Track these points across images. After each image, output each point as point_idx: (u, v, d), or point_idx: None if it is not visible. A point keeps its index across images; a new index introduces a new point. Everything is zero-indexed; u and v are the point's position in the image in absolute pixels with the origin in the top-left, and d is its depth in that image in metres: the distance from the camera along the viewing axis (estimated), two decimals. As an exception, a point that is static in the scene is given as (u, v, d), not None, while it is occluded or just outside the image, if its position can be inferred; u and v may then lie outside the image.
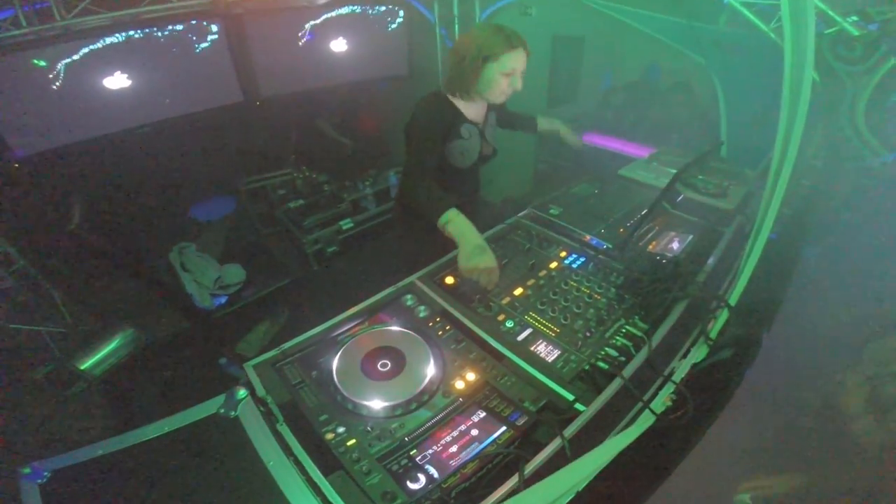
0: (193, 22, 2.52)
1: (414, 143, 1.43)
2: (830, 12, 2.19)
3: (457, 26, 3.72)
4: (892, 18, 2.18)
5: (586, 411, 0.86)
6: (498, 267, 1.17)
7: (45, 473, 0.81)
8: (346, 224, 3.22)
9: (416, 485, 0.76)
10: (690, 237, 1.51)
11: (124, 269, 2.23)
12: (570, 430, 0.83)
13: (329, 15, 3.18)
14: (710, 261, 1.35)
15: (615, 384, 0.91)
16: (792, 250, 1.81)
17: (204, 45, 2.58)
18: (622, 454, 0.94)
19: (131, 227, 2.55)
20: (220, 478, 0.80)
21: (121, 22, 2.31)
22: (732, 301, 1.14)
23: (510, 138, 4.41)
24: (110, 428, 2.18)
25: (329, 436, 0.84)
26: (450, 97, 1.53)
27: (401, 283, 1.20)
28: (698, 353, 1.13)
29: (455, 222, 1.19)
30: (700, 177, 1.73)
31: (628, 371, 0.95)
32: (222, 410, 0.86)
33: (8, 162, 2.15)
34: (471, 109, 1.56)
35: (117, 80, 2.34)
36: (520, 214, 1.57)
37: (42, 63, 2.17)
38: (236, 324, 2.55)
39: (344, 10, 3.19)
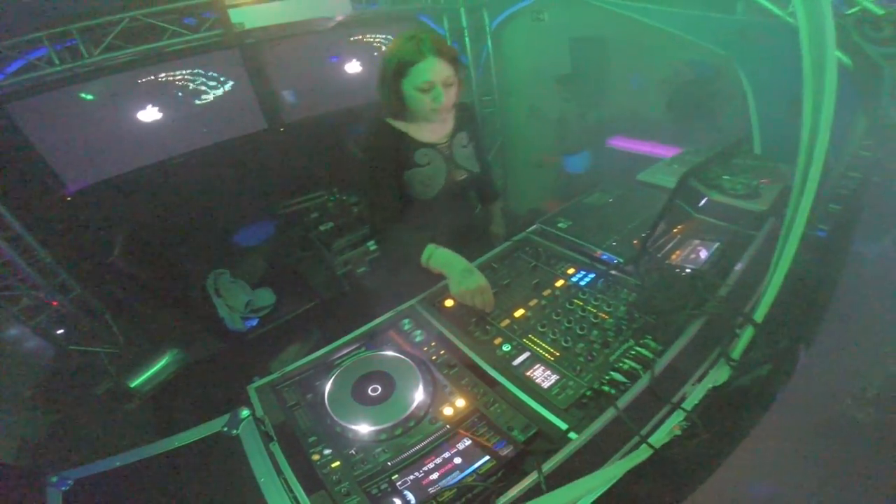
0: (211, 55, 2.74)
1: (365, 186, 1.38)
2: None
3: (467, 39, 3.80)
4: None
5: (572, 443, 0.85)
6: (489, 286, 1.18)
7: (70, 482, 0.91)
8: (373, 245, 3.34)
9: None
10: (717, 245, 1.44)
11: (166, 296, 2.48)
12: (554, 462, 0.83)
13: (344, 37, 3.37)
14: (736, 271, 1.28)
15: (609, 413, 0.89)
16: (839, 251, 1.67)
17: (226, 76, 2.82)
18: (630, 482, 0.92)
19: (172, 256, 2.80)
20: (218, 492, 0.89)
21: (146, 56, 2.55)
22: (759, 317, 1.06)
23: (533, 142, 4.39)
24: (154, 441, 2.43)
25: (315, 457, 0.89)
26: (392, 122, 1.41)
27: (400, 308, 1.24)
28: (718, 376, 1.08)
29: (436, 255, 1.22)
30: (726, 176, 1.63)
31: (627, 398, 0.93)
32: (226, 429, 0.94)
33: (62, 196, 2.46)
34: (423, 131, 1.43)
35: (150, 114, 2.60)
36: (528, 230, 1.56)
37: (89, 97, 2.46)
38: (268, 345, 2.73)
39: (356, 32, 3.38)
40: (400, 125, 1.41)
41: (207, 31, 2.67)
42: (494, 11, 3.91)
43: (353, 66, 3.48)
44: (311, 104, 3.27)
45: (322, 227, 3.30)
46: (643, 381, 0.95)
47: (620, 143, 3.50)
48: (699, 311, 1.09)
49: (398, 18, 3.69)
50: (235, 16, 2.67)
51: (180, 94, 2.73)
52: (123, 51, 2.47)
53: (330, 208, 3.42)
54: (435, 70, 1.27)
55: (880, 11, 2.10)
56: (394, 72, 1.29)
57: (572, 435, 0.88)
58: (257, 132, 2.98)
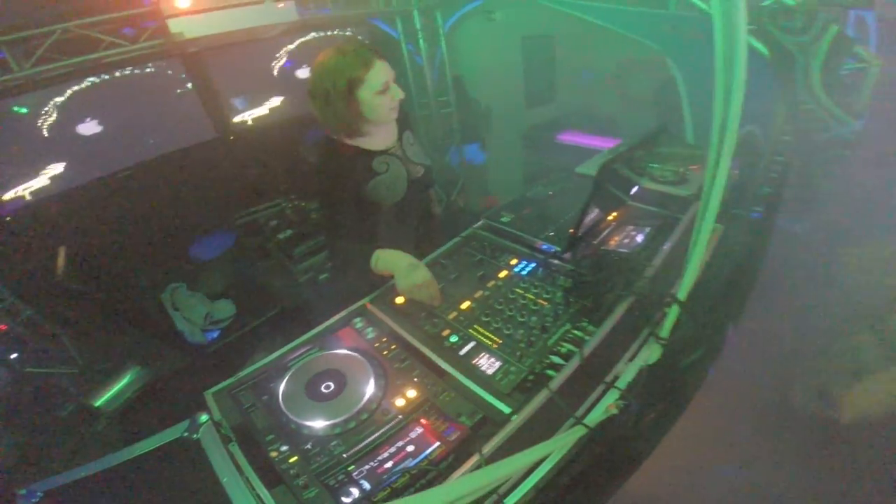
0: (153, 65, 2.71)
1: (324, 206, 1.45)
2: None
3: (421, 40, 3.87)
4: None
5: (510, 424, 0.93)
6: (434, 281, 1.26)
7: (38, 494, 0.94)
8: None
9: (349, 499, 0.85)
10: (649, 230, 1.56)
11: (121, 313, 2.43)
12: (495, 443, 0.91)
13: (291, 44, 3.37)
14: (663, 252, 1.40)
15: (543, 395, 0.98)
16: (768, 231, 1.84)
17: (169, 85, 2.78)
18: (574, 461, 1.00)
19: (124, 272, 2.74)
20: (185, 494, 0.94)
21: (82, 68, 2.48)
22: (682, 295, 1.14)
23: (494, 141, 4.48)
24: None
25: (273, 454, 0.94)
26: (345, 140, 1.44)
27: (352, 307, 1.30)
28: (650, 355, 1.19)
29: (382, 258, 1.29)
30: (654, 165, 1.77)
31: (560, 380, 1.02)
32: (186, 433, 0.99)
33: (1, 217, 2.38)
34: (374, 140, 1.47)
35: (90, 127, 2.54)
36: (475, 226, 1.65)
37: (23, 110, 2.38)
38: (231, 356, 2.72)
39: (308, 37, 3.37)
40: (351, 142, 1.44)
41: (147, 42, 2.62)
42: (447, 13, 3.98)
43: (306, 72, 3.48)
44: (261, 111, 3.26)
45: (281, 236, 3.30)
46: (574, 363, 1.05)
47: (570, 138, 3.65)
48: (626, 292, 1.20)
49: (349, 22, 3.71)
50: (175, 26, 2.62)
51: (123, 104, 2.67)
52: (57, 63, 2.38)
53: (288, 215, 3.42)
54: (385, 70, 1.35)
55: (792, 2, 2.30)
56: (346, 89, 1.31)
57: (515, 418, 0.97)
58: (207, 141, 2.94)
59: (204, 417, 0.99)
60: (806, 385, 2.01)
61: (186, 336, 2.39)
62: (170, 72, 2.84)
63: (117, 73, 2.68)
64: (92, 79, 2.59)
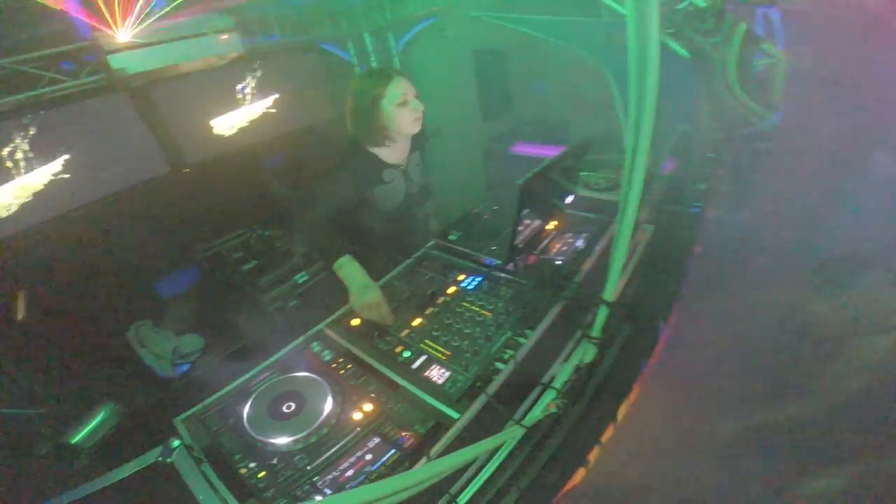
0: (97, 100, 2.76)
1: (330, 191, 1.65)
2: None
3: (374, 62, 4.04)
4: None
5: (453, 428, 1.08)
6: (383, 302, 1.40)
7: None
8: (300, 278, 3.46)
9: None
10: (586, 235, 1.76)
11: (88, 352, 2.46)
12: (440, 446, 1.04)
13: (244, 73, 3.50)
14: (593, 257, 1.59)
15: (481, 400, 1.14)
16: (695, 227, 2.06)
17: (116, 120, 2.84)
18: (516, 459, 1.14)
19: (86, 312, 2.77)
20: None
21: (22, 105, 2.52)
22: (608, 296, 1.30)
23: (454, 158, 4.68)
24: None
25: (243, 471, 1.05)
26: (368, 147, 1.74)
27: (309, 332, 1.43)
28: (585, 354, 1.36)
29: (346, 268, 1.45)
30: (585, 173, 1.98)
31: (497, 384, 1.17)
32: (161, 458, 1.10)
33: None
34: (391, 153, 1.76)
35: (41, 166, 2.56)
36: (426, 245, 1.82)
37: None
38: (202, 387, 2.77)
39: (256, 65, 3.52)
40: (374, 149, 1.73)
41: (90, 77, 2.69)
42: (399, 33, 4.18)
43: (260, 100, 3.61)
44: (216, 142, 3.36)
45: (246, 267, 3.38)
46: (509, 368, 1.21)
47: (524, 149, 3.87)
48: (557, 297, 1.38)
49: (299, 49, 3.86)
50: (116, 61, 2.70)
51: (71, 141, 2.73)
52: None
53: (252, 247, 3.50)
54: (403, 85, 1.64)
55: (703, 4, 2.56)
56: (371, 102, 1.61)
57: (457, 422, 1.12)
58: (161, 176, 3.02)
59: (176, 442, 1.10)
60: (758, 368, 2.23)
61: (156, 371, 2.45)
62: (117, 107, 2.91)
63: (61, 110, 2.72)
64: (31, 115, 2.63)
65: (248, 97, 3.62)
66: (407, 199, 1.86)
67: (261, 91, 3.62)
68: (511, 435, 1.09)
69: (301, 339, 1.41)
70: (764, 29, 2.97)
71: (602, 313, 1.28)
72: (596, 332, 1.28)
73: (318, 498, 0.99)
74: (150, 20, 2.76)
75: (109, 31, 2.65)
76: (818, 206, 2.66)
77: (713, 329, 2.29)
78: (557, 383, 1.22)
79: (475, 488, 1.04)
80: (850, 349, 2.02)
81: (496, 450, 1.09)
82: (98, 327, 2.64)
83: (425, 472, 0.89)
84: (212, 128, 3.37)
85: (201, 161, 3.28)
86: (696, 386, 2.14)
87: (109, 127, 2.87)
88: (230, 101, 3.47)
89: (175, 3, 2.85)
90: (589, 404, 1.31)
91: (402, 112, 1.65)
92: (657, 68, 1.16)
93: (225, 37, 3.30)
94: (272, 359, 1.35)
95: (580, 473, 1.48)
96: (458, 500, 1.01)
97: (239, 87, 3.55)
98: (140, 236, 2.87)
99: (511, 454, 1.10)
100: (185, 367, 2.72)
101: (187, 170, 3.26)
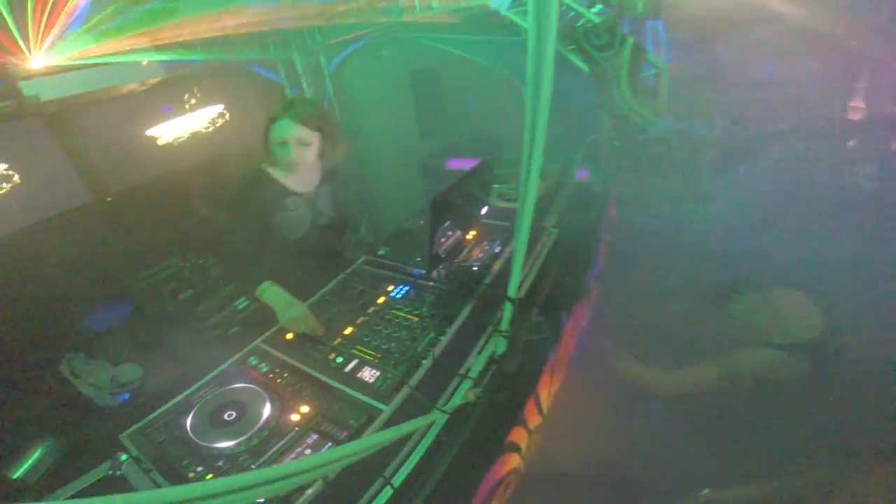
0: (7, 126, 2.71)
1: (240, 217, 1.76)
2: (575, 5, 2.83)
3: (304, 84, 4.19)
4: (623, 2, 2.87)
5: (380, 417, 1.28)
6: (310, 315, 1.58)
7: None
8: (240, 304, 3.50)
9: (261, 499, 1.15)
10: (500, 241, 2.04)
11: (17, 388, 2.42)
12: (368, 432, 1.25)
13: (168, 98, 3.55)
14: (500, 260, 1.87)
15: (405, 391, 1.36)
16: (593, 233, 2.42)
17: (31, 149, 2.80)
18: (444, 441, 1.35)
19: (15, 347, 2.69)
20: None
21: None
22: (512, 294, 1.51)
23: (393, 175, 4.86)
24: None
25: (191, 475, 1.18)
26: (269, 170, 1.83)
27: (246, 349, 1.58)
28: (496, 347, 1.60)
29: (267, 292, 1.61)
30: (496, 185, 2.28)
31: (418, 377, 1.40)
32: (111, 472, 1.20)
33: None
34: (296, 181, 1.86)
35: None
36: (357, 262, 2.02)
37: None
38: (146, 412, 2.77)
39: (180, 88, 3.58)
40: (276, 173, 1.83)
41: (-2, 103, 2.66)
42: (331, 53, 4.27)
43: (187, 125, 3.66)
44: (140, 168, 3.37)
45: (182, 297, 3.40)
46: (429, 362, 1.44)
47: (457, 164, 4.15)
48: (469, 297, 1.63)
49: (226, 73, 3.93)
50: (29, 88, 2.70)
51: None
52: None
53: (188, 276, 3.52)
54: (286, 129, 1.71)
55: (598, 20, 2.92)
56: (266, 126, 1.73)
57: (384, 411, 1.32)
58: (83, 206, 3.01)
59: (124, 456, 1.21)
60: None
61: (96, 400, 2.44)
62: (31, 134, 2.88)
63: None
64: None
65: (172, 121, 3.65)
66: (315, 230, 1.95)
67: (185, 115, 3.68)
68: (431, 419, 1.31)
69: (238, 354, 1.55)
70: (649, 41, 3.44)
71: (508, 309, 1.50)
72: (504, 326, 1.51)
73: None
74: (68, 45, 2.79)
75: (22, 56, 2.66)
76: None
77: (625, 318, 2.66)
78: (473, 373, 1.46)
79: (408, 470, 1.21)
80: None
81: (423, 434, 1.29)
82: (28, 362, 2.59)
83: (334, 453, 1.03)
84: (135, 154, 3.38)
85: (126, 189, 3.28)
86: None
87: (24, 156, 2.83)
88: (153, 127, 3.49)
89: (90, 25, 2.88)
90: (503, 391, 1.56)
91: (282, 151, 1.75)
92: (551, 81, 1.28)
93: (145, 63, 3.36)
94: (211, 375, 1.48)
95: (514, 459, 1.73)
96: (392, 481, 1.18)
97: (163, 110, 3.59)
98: (65, 269, 2.84)
99: (437, 439, 1.29)
100: (126, 396, 2.72)
101: (110, 199, 3.26)
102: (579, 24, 2.97)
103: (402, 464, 1.23)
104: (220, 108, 3.87)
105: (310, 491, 1.08)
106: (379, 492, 1.14)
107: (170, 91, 3.57)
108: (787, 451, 1.95)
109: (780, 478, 1.89)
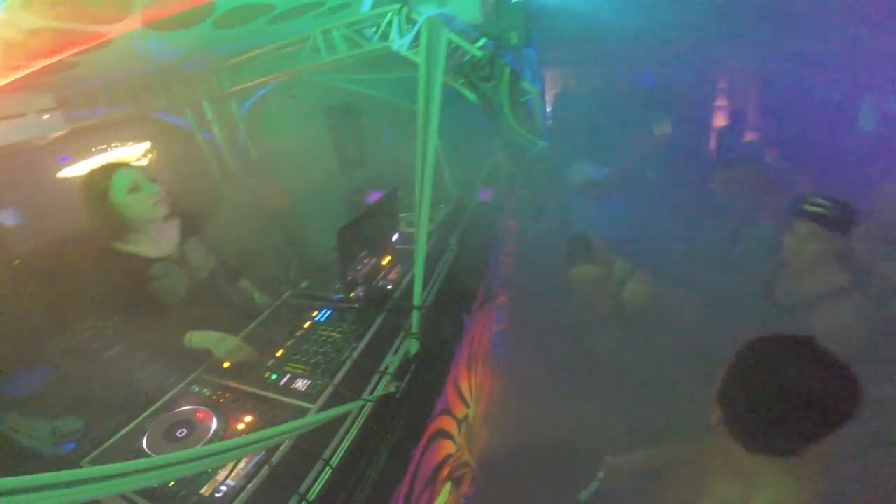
0: None
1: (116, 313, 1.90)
2: (460, 41, 3.28)
3: (216, 128, 4.34)
4: (500, 35, 3.38)
5: (310, 411, 1.62)
6: (242, 344, 1.86)
7: None
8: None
9: (219, 494, 1.42)
10: (411, 263, 2.44)
11: None
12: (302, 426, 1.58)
13: (80, 150, 3.64)
14: (408, 276, 2.28)
15: (329, 389, 1.70)
16: (488, 244, 2.91)
17: None
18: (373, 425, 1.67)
19: None
20: None
21: None
22: (416, 301, 1.90)
23: (317, 213, 5.08)
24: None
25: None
26: (119, 247, 1.81)
27: (188, 378, 1.84)
28: (410, 347, 1.97)
29: (194, 337, 1.84)
30: (404, 213, 2.70)
31: (341, 375, 1.75)
32: None
33: None
34: (151, 246, 1.87)
35: None
36: (283, 296, 2.35)
37: None
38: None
39: (91, 140, 3.68)
40: (128, 248, 1.82)
41: None
42: (242, 98, 4.42)
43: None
44: (49, 227, 3.41)
45: (109, 353, 3.42)
46: (348, 364, 1.80)
47: (377, 197, 4.50)
48: (382, 309, 2.01)
49: (131, 120, 4.06)
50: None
51: None
52: None
53: (110, 334, 3.56)
54: (130, 171, 1.79)
55: (480, 54, 3.39)
56: (99, 198, 1.71)
57: (314, 406, 1.66)
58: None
59: None
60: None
61: (41, 451, 2.47)
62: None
63: None
64: None
65: (77, 173, 3.71)
66: (198, 288, 1.98)
67: (90, 165, 3.75)
68: (358, 405, 1.60)
69: (181, 385, 1.81)
70: (528, 67, 4.04)
71: (415, 315, 1.90)
72: (414, 329, 1.90)
73: (223, 487, 1.43)
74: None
75: None
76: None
77: (533, 316, 3.17)
78: (391, 369, 1.83)
79: (343, 452, 1.48)
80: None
81: (354, 420, 1.58)
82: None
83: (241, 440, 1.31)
84: (40, 211, 3.41)
85: (36, 249, 3.32)
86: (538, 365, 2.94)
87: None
88: (58, 181, 3.54)
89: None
90: (419, 383, 1.92)
91: (137, 198, 1.76)
92: (439, 111, 1.74)
93: (46, 116, 3.44)
94: (157, 404, 1.73)
95: (447, 445, 2.09)
96: (331, 462, 1.43)
97: (64, 163, 3.63)
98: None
99: (368, 424, 1.58)
100: (73, 445, 2.75)
101: (18, 262, 3.28)
102: (466, 58, 3.47)
103: (337, 447, 1.48)
104: (127, 156, 3.99)
105: (260, 473, 1.39)
106: (320, 473, 1.42)
107: (74, 143, 3.64)
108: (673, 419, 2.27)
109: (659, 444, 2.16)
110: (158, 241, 1.90)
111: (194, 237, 2.07)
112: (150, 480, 0.87)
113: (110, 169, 1.80)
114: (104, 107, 3.78)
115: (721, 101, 5.45)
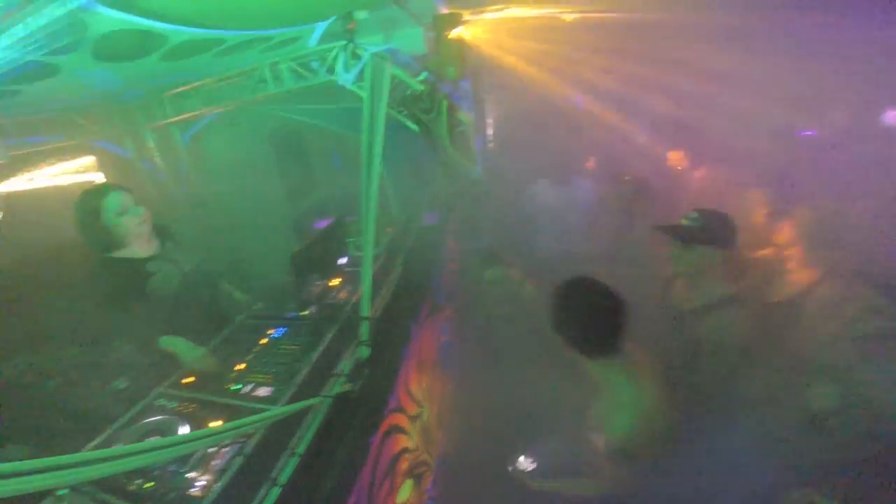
0: None
1: (111, 316, 2.13)
2: (403, 76, 3.67)
3: (158, 157, 4.52)
4: (439, 68, 3.85)
5: (270, 411, 1.92)
6: (206, 356, 2.12)
7: None
8: (119, 384, 3.70)
9: (194, 489, 1.67)
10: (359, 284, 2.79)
11: None
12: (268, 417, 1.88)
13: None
14: (357, 294, 2.61)
15: (290, 389, 2.01)
16: (431, 263, 3.31)
17: None
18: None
19: None
20: None
21: None
22: (364, 313, 2.19)
23: (267, 239, 5.29)
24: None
25: (132, 487, 1.60)
26: (112, 255, 2.11)
27: (152, 393, 2.06)
28: (362, 352, 2.29)
29: (167, 341, 2.10)
30: (350, 239, 3.06)
31: (300, 379, 2.07)
32: None
33: None
34: (141, 249, 2.19)
35: None
36: (238, 318, 2.61)
37: None
38: None
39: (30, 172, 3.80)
40: (120, 253, 2.13)
41: None
42: (186, 127, 4.64)
43: (31, 208, 3.84)
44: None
45: (50, 385, 3.48)
46: (306, 369, 2.11)
47: (325, 223, 4.80)
48: (334, 321, 2.35)
49: (70, 149, 4.18)
50: None
51: None
52: None
53: (51, 366, 3.61)
54: (118, 196, 2.11)
55: (421, 88, 3.83)
56: (90, 215, 2.02)
57: (276, 404, 1.95)
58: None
59: (62, 491, 1.58)
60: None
61: None
62: None
63: None
64: None
65: (16, 204, 3.79)
66: (187, 279, 2.34)
67: (31, 196, 3.85)
68: (317, 401, 1.89)
69: (145, 399, 2.02)
70: (464, 99, 4.55)
71: (364, 325, 2.20)
72: (364, 337, 2.20)
73: (197, 483, 1.68)
74: None
75: None
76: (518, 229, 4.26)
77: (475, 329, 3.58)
78: (345, 371, 2.12)
79: (307, 442, 1.75)
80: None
81: (315, 415, 1.86)
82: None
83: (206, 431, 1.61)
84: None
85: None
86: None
87: None
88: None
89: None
90: (371, 383, 2.16)
91: (125, 219, 2.10)
92: (381, 143, 2.07)
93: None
94: (123, 419, 1.93)
95: (402, 439, 2.40)
96: (297, 450, 1.68)
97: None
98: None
99: (327, 419, 1.87)
100: None
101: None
102: (408, 92, 3.90)
103: (301, 438, 1.74)
104: (66, 184, 4.09)
105: (235, 461, 1.65)
106: (288, 461, 1.65)
107: (12, 172, 3.74)
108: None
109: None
110: (144, 244, 2.23)
111: (169, 241, 2.41)
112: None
113: (101, 192, 2.11)
114: (41, 136, 3.90)
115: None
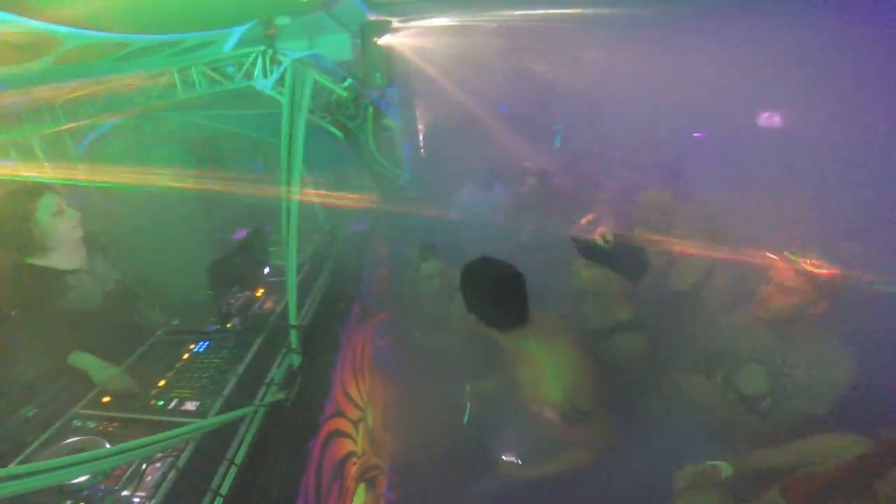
0: None
1: (31, 320, 2.04)
2: (327, 82, 3.74)
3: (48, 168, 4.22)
4: (364, 75, 3.92)
5: (201, 422, 1.92)
6: (119, 374, 2.06)
7: None
8: (28, 412, 3.39)
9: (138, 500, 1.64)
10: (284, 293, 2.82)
11: None
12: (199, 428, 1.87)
13: None
14: (283, 303, 2.65)
15: (220, 401, 2.02)
16: (359, 269, 3.41)
17: None
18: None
19: None
20: None
21: None
22: (292, 321, 2.26)
23: (182, 252, 5.04)
24: None
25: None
26: (33, 262, 2.04)
27: (65, 416, 1.97)
28: (293, 360, 2.33)
29: (79, 359, 2.03)
30: (272, 249, 3.07)
31: (230, 389, 2.07)
32: None
33: None
34: (64, 260, 2.12)
35: None
36: (156, 334, 2.56)
37: None
38: None
39: None
40: (41, 262, 2.05)
41: None
42: (78, 135, 4.24)
43: None
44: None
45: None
46: (234, 379, 2.12)
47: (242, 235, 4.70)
48: (261, 330, 2.37)
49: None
50: None
51: None
52: None
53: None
54: (54, 197, 2.05)
55: (346, 94, 3.86)
56: (22, 215, 1.94)
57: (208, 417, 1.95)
58: None
59: None
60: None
61: None
62: None
63: None
64: None
65: None
66: (108, 298, 2.28)
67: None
68: (250, 410, 1.93)
69: (59, 421, 1.94)
70: (390, 105, 4.66)
71: (293, 333, 2.27)
72: (294, 344, 2.28)
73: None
74: None
75: None
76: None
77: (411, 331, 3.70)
78: (277, 379, 2.18)
79: (244, 451, 1.78)
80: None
81: (250, 424, 1.90)
82: None
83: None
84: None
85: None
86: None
87: None
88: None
89: None
90: (305, 389, 2.21)
91: (59, 221, 2.05)
92: (301, 150, 2.18)
93: None
94: (37, 442, 1.84)
95: (347, 443, 2.45)
96: (235, 461, 1.69)
97: None
98: None
99: (262, 428, 1.91)
100: None
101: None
102: (332, 97, 3.92)
103: (238, 447, 1.77)
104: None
105: (169, 476, 1.63)
106: (226, 472, 1.66)
107: None
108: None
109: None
110: (70, 256, 2.15)
111: (97, 254, 2.34)
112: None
113: (37, 192, 2.04)
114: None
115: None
